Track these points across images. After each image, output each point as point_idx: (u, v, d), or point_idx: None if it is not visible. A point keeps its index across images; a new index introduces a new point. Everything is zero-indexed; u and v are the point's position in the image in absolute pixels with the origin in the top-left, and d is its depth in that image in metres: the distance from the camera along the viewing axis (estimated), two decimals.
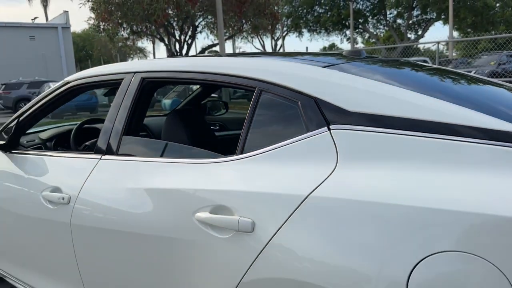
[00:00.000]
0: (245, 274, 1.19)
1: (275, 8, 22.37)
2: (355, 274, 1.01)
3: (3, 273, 2.36)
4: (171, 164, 1.51)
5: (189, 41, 22.14)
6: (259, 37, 38.80)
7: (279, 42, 39.99)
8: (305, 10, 31.50)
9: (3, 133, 2.29)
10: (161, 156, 1.63)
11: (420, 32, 31.89)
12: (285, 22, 34.72)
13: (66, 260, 1.79)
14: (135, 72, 1.80)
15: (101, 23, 20.41)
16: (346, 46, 32.90)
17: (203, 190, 1.34)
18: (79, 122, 2.69)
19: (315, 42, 74.60)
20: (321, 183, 1.13)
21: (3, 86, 20.40)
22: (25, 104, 15.36)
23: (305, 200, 1.12)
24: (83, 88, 2.10)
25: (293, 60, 1.50)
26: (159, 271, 1.42)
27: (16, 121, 2.28)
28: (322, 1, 30.50)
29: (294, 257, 1.10)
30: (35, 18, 41.05)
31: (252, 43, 45.14)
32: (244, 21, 21.78)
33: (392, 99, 1.15)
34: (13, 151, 2.23)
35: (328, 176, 1.13)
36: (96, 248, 1.63)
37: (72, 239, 1.72)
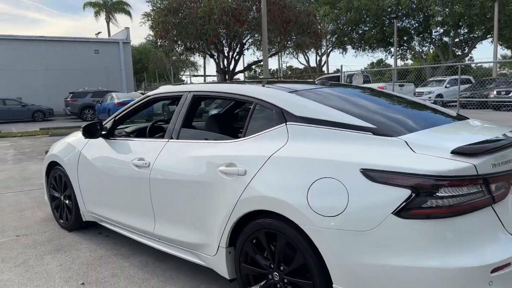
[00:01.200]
0: (240, 196, 2.34)
1: (318, 27, 23.46)
2: (290, 190, 2.12)
3: (100, 217, 3.65)
4: (207, 144, 2.70)
5: (237, 57, 23.72)
6: (304, 53, 40.01)
7: (324, 58, 41.01)
8: (350, 28, 32.36)
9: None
10: (203, 139, 2.83)
11: (466, 50, 31.71)
12: (331, 39, 35.71)
13: (144, 201, 3.02)
14: (189, 91, 3.03)
15: (158, 40, 22.43)
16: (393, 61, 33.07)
17: (223, 156, 2.51)
18: (151, 123, 3.99)
19: (360, 58, 74.80)
20: (278, 149, 2.27)
21: (71, 95, 22.86)
22: (89, 111, 17.31)
23: (270, 157, 2.27)
24: (158, 100, 3.38)
25: (273, 87, 2.67)
26: (198, 199, 2.60)
27: (113, 120, 3.59)
28: (367, 19, 31.22)
29: (263, 184, 2.24)
30: (98, 33, 44.69)
31: (297, 58, 46.36)
32: (288, 39, 23.05)
33: (313, 110, 2.29)
34: (110, 138, 3.53)
35: (282, 147, 2.28)
36: (164, 191, 2.85)
37: (149, 188, 2.95)
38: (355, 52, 35.44)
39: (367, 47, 33.58)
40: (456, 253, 1.76)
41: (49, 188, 4.30)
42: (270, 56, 25.33)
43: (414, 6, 29.22)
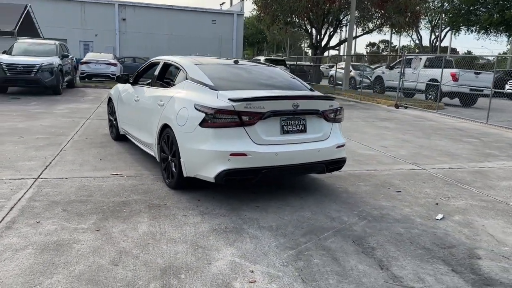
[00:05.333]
0: (160, 116, 4.50)
1: (417, 7, 23.15)
2: (173, 113, 4.21)
3: (124, 131, 6.14)
4: (157, 89, 4.90)
5: (331, 33, 24.86)
6: (417, 32, 38.53)
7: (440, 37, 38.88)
8: (466, 8, 30.44)
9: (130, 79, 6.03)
10: (157, 87, 5.03)
11: None
12: (445, 18, 33.92)
13: (137, 120, 5.37)
14: (163, 60, 5.24)
15: (261, 14, 24.74)
16: None
17: (159, 95, 4.69)
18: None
19: (481, 41, 67.37)
20: (176, 93, 4.37)
21: None
22: None
23: (171, 97, 4.38)
24: (154, 65, 5.66)
25: (191, 60, 4.71)
26: (151, 118, 4.83)
27: (136, 74, 6.00)
28: (486, 1, 29.04)
29: (167, 111, 4.37)
30: (222, 3, 48.72)
31: (411, 36, 44.49)
32: (386, 17, 23.32)
33: (196, 74, 4.32)
34: (133, 84, 5.95)
35: (178, 92, 4.37)
36: (141, 114, 5.14)
37: (138, 113, 5.28)
38: (474, 34, 33.19)
39: (483, 30, 31.25)
40: (219, 144, 3.71)
41: (108, 114, 6.98)
42: (364, 34, 25.79)
43: None
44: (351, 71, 22.92)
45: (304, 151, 3.99)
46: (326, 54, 28.86)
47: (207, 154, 3.76)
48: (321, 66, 27.88)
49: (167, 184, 4.43)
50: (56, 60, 12.97)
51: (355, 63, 23.53)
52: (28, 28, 20.45)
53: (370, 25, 24.48)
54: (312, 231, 3.49)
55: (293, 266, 2.87)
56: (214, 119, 3.73)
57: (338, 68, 21.63)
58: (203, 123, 3.78)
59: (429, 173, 5.59)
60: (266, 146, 3.81)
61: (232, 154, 3.69)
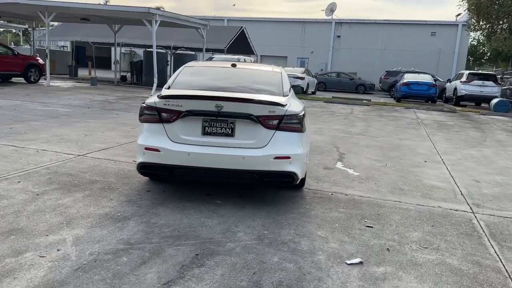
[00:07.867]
0: None
1: None
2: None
3: None
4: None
5: None
6: None
7: None
8: None
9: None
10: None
11: None
12: None
13: None
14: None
15: (474, 21, 21.43)
16: None
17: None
18: None
19: None
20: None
21: (385, 73, 25.73)
22: (394, 89, 20.00)
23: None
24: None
25: (188, 63, 4.95)
26: None
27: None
28: None
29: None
30: (458, 14, 44.10)
31: None
32: None
33: (174, 75, 4.57)
34: None
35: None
36: None
37: None
38: None
39: None
40: (142, 138, 3.92)
41: None
42: None
43: None
44: None
45: (224, 156, 3.73)
46: None
47: (136, 147, 4.03)
48: None
49: None
50: None
51: None
52: (241, 46, 23.97)
53: None
54: (179, 236, 3.30)
55: (96, 257, 2.88)
56: (143, 114, 3.97)
57: None
58: (140, 118, 4.07)
59: (468, 218, 4.08)
60: (181, 145, 3.78)
61: (146, 148, 3.84)
